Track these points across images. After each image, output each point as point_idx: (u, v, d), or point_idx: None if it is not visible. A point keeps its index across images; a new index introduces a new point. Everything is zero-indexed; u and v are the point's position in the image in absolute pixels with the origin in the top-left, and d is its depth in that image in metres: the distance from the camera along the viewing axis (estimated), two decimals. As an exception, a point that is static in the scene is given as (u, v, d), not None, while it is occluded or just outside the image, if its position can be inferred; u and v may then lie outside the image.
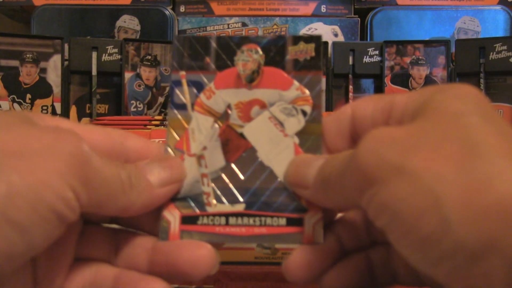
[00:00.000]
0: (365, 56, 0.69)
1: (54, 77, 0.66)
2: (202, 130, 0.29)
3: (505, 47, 0.65)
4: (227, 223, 0.27)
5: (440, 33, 0.76)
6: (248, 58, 0.29)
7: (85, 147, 0.22)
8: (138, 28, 0.75)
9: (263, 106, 0.28)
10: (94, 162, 0.22)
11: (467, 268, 0.18)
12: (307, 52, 0.29)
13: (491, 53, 0.65)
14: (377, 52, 0.69)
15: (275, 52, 0.29)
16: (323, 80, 0.28)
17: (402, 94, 0.25)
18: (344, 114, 0.28)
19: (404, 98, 0.24)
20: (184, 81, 0.29)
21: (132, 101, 0.68)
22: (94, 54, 0.66)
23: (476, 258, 0.17)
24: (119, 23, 0.76)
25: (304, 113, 0.28)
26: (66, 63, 0.66)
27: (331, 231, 0.27)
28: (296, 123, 0.28)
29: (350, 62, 0.69)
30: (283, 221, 0.27)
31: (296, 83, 0.28)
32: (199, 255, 0.25)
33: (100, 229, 0.28)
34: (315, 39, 0.29)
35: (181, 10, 0.78)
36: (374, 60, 0.69)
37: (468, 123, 0.20)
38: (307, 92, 0.28)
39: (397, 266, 0.27)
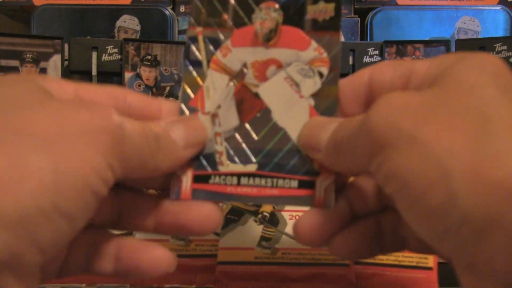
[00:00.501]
0: (365, 56, 0.69)
1: (54, 77, 0.66)
2: (217, 88, 0.28)
3: (505, 47, 0.65)
4: (238, 183, 0.27)
5: (440, 33, 0.76)
6: (266, 16, 0.28)
7: (117, 119, 0.22)
8: (138, 28, 0.76)
9: (280, 66, 0.28)
10: (127, 134, 0.22)
11: (471, 242, 0.18)
12: (327, 12, 0.28)
13: (491, 53, 0.65)
14: (377, 52, 0.69)
15: (294, 11, 0.28)
16: (342, 41, 0.28)
17: (422, 60, 0.24)
18: (361, 78, 0.27)
19: (424, 65, 0.24)
20: (200, 38, 0.29)
21: (132, 101, 0.68)
22: (94, 54, 0.66)
23: (481, 232, 0.18)
24: (119, 23, 0.76)
25: (321, 74, 0.28)
26: (66, 63, 0.66)
27: (342, 195, 0.27)
28: (312, 85, 0.28)
29: (350, 62, 0.69)
30: (295, 183, 0.27)
31: (314, 43, 0.28)
32: (205, 214, 0.26)
33: None
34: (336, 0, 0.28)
35: (181, 10, 0.78)
36: (374, 60, 0.69)
37: (484, 95, 0.20)
38: (324, 53, 0.28)
39: (407, 232, 0.27)
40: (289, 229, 0.44)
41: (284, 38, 0.28)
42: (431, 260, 0.43)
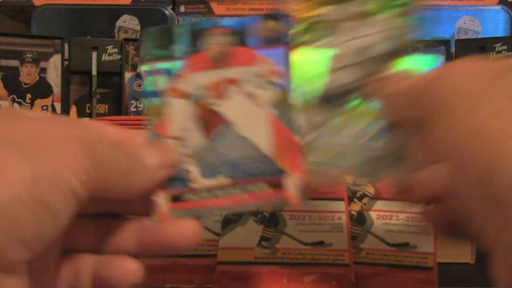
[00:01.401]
0: (365, 56, 0.68)
1: (54, 77, 0.66)
2: (178, 113, 0.30)
3: (505, 47, 0.65)
4: (213, 196, 0.28)
5: (440, 33, 0.76)
6: (215, 42, 0.30)
7: (91, 133, 0.24)
8: (138, 28, 0.76)
9: (236, 83, 0.30)
10: (100, 147, 0.24)
11: (504, 216, 0.19)
12: (277, 29, 0.30)
13: (491, 53, 0.65)
14: (377, 52, 0.69)
15: (243, 32, 0.30)
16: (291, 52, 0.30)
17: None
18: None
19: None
20: (154, 70, 0.31)
21: (132, 101, 0.68)
22: (94, 54, 0.66)
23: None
24: (119, 23, 0.76)
25: (272, 83, 0.30)
26: (66, 63, 0.66)
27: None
28: (266, 94, 0.30)
29: (350, 62, 0.69)
30: (265, 186, 0.28)
31: (263, 58, 0.30)
32: (185, 228, 0.27)
33: (83, 219, 0.28)
34: (284, 17, 0.31)
35: (181, 10, 0.78)
36: (374, 60, 0.69)
37: None
38: (273, 64, 0.30)
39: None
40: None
41: (235, 58, 0.30)
42: (431, 260, 0.43)
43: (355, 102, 0.31)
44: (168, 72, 0.31)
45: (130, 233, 0.28)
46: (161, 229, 0.28)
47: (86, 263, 0.27)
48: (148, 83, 0.30)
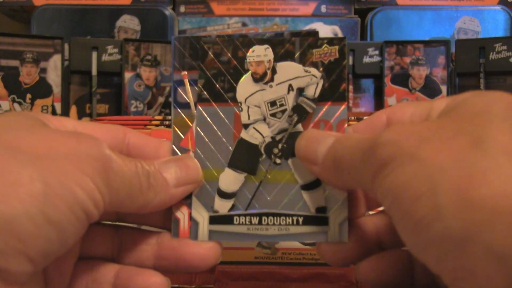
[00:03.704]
0: (365, 56, 0.69)
1: (54, 77, 0.66)
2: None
3: (505, 47, 0.65)
4: (251, 223, 0.28)
5: (440, 33, 0.76)
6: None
7: (107, 150, 0.23)
8: (138, 28, 0.75)
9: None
10: (115, 165, 0.23)
11: (453, 256, 0.18)
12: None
13: (491, 53, 0.65)
14: (377, 52, 0.69)
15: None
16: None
17: (441, 98, 0.25)
18: (379, 118, 0.28)
19: (443, 102, 0.25)
20: (186, 81, 0.30)
21: (132, 101, 0.68)
22: (94, 54, 0.66)
23: (461, 246, 0.18)
24: (119, 23, 0.76)
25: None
26: (66, 63, 0.66)
27: (363, 225, 0.28)
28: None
29: (350, 62, 0.69)
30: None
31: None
32: (206, 247, 0.27)
33: (102, 228, 0.28)
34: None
35: (181, 10, 0.78)
36: (374, 60, 0.69)
37: (485, 121, 0.20)
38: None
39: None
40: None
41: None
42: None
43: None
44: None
45: (149, 245, 0.28)
46: (180, 247, 0.27)
47: (107, 272, 0.27)
48: (180, 94, 0.29)
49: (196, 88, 0.29)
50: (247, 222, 0.28)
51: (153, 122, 0.59)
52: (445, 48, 0.68)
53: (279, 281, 0.41)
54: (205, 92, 0.29)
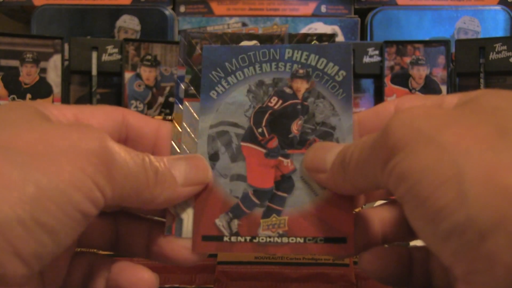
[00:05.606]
0: (365, 56, 0.69)
1: (54, 77, 0.66)
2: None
3: (505, 47, 0.65)
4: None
5: (440, 33, 0.76)
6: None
7: (109, 143, 0.23)
8: (138, 28, 0.75)
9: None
10: (118, 157, 0.23)
11: (474, 245, 0.18)
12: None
13: (491, 53, 0.65)
14: (377, 52, 0.69)
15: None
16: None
17: (452, 94, 0.25)
18: (386, 109, 0.28)
19: (455, 97, 0.24)
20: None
21: (132, 101, 0.68)
22: (94, 54, 0.66)
23: (484, 235, 0.17)
24: (119, 23, 0.76)
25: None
26: (66, 63, 0.66)
27: (368, 217, 0.28)
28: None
29: (350, 62, 0.69)
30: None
31: None
32: (188, 247, 0.27)
33: (100, 219, 0.28)
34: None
35: (181, 10, 0.78)
36: (374, 60, 0.69)
37: (505, 115, 0.20)
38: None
39: (435, 266, 0.27)
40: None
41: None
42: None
43: None
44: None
45: (141, 239, 0.28)
46: (166, 243, 0.27)
47: (102, 266, 0.27)
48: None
49: (182, 85, 0.29)
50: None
51: (153, 122, 0.59)
52: (445, 48, 0.68)
53: (279, 281, 0.41)
54: (192, 88, 0.29)
